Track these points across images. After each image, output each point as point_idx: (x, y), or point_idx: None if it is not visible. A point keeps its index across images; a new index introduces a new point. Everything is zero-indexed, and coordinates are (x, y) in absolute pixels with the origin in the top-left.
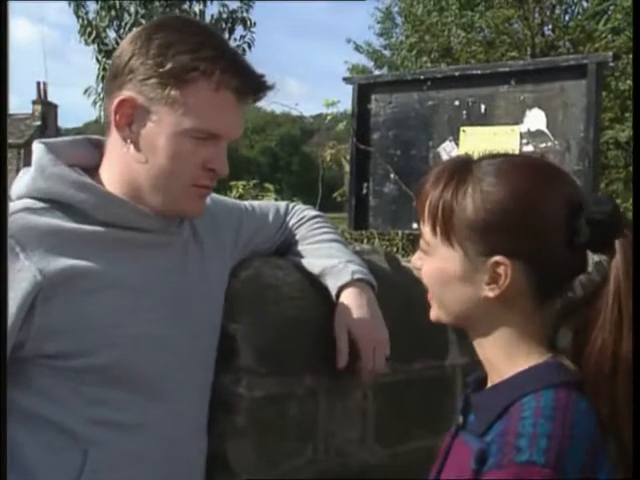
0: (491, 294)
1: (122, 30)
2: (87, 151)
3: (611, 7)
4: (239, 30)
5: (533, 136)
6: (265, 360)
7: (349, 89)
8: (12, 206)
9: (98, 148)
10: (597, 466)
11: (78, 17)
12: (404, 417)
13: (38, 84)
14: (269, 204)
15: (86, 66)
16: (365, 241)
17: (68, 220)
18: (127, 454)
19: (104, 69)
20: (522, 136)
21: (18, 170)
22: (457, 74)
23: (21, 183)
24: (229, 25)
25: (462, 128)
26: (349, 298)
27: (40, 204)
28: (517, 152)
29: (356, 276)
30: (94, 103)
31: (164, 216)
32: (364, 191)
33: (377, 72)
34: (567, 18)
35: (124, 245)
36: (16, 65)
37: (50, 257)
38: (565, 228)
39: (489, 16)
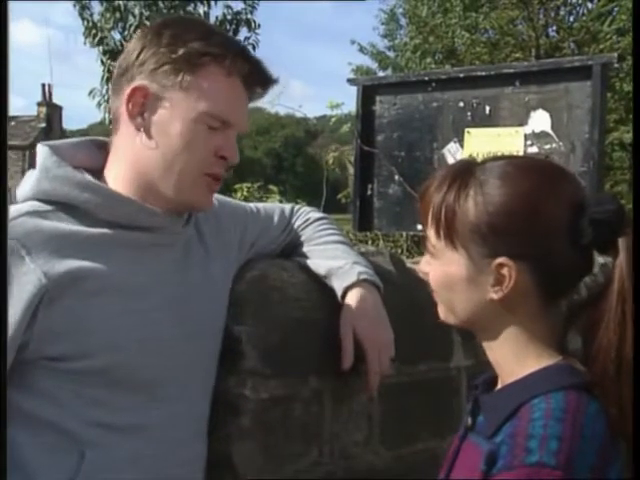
0: (496, 296)
1: (127, 32)
2: (91, 152)
3: (616, 8)
4: (243, 32)
5: (538, 137)
6: (270, 362)
7: (353, 90)
8: (17, 209)
9: (102, 150)
10: (607, 468)
11: (83, 19)
12: (409, 419)
13: (43, 86)
14: (274, 206)
15: (91, 68)
16: (369, 242)
17: (73, 222)
18: (126, 456)
19: (109, 71)
20: (527, 137)
21: (23, 172)
22: (461, 75)
23: (26, 186)
24: (233, 27)
25: (466, 129)
26: (355, 299)
27: (45, 206)
28: (521, 153)
29: (362, 277)
30: (99, 105)
31: (172, 211)
32: (368, 192)
33: (381, 73)
34: (572, 19)
35: (129, 246)
36: (21, 67)
37: (55, 260)
38: (569, 229)
39: (493, 17)
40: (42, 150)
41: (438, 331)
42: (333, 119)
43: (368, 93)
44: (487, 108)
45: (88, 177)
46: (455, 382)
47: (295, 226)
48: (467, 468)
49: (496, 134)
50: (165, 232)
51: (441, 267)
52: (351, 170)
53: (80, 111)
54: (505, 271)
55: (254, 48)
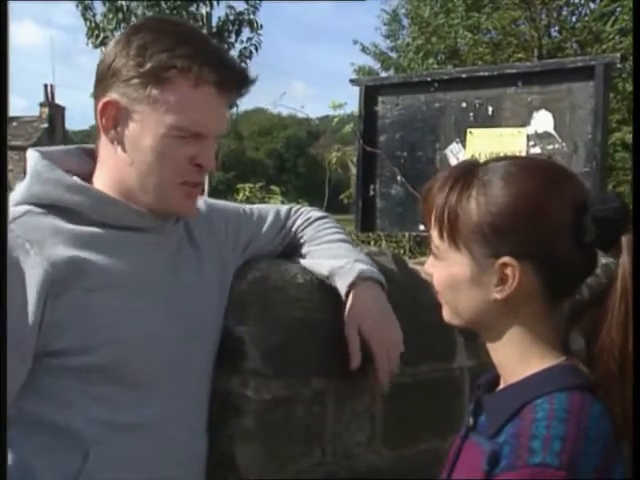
0: (500, 296)
1: None
2: (81, 159)
3: (618, 8)
4: (246, 32)
5: (540, 138)
6: (272, 362)
7: (356, 91)
8: (15, 211)
9: (91, 157)
10: (611, 469)
11: (85, 19)
12: (411, 419)
13: (45, 86)
14: (269, 207)
15: (93, 68)
16: (372, 243)
17: (67, 222)
18: (126, 455)
19: None
20: (529, 138)
21: (25, 172)
22: (464, 76)
23: (17, 191)
24: (236, 27)
25: (469, 130)
26: (358, 297)
27: (38, 209)
28: (524, 154)
29: (365, 275)
30: None
31: (159, 215)
32: (371, 193)
33: (384, 74)
34: (574, 19)
35: (121, 245)
36: (23, 68)
37: (58, 253)
38: (572, 228)
39: (496, 18)
40: (33, 155)
41: (441, 331)
42: (335, 119)
43: (370, 93)
44: (489, 108)
45: (78, 180)
46: (458, 383)
47: (295, 226)
48: (469, 468)
49: (498, 134)
50: (155, 232)
51: (445, 268)
52: (353, 170)
53: (83, 111)
54: (509, 271)
55: (257, 49)
